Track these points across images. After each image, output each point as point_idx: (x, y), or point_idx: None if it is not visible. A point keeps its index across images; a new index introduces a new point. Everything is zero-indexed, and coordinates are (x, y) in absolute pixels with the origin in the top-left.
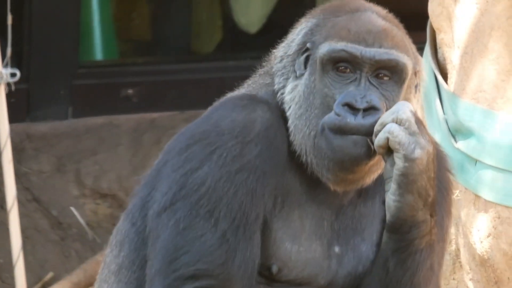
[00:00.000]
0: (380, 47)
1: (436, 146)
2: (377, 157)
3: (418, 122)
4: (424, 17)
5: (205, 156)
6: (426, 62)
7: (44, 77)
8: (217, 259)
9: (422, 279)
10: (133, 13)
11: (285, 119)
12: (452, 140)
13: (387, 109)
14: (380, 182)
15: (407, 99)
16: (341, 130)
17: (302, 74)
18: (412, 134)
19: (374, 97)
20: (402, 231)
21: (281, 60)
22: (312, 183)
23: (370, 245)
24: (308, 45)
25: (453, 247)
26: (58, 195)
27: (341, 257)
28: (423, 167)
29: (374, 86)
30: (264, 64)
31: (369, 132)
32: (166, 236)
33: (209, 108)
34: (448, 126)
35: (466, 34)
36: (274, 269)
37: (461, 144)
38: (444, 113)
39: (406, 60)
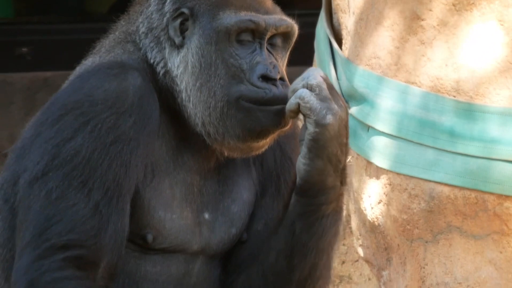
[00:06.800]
0: (270, 13)
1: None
2: None
3: (330, 87)
4: None
5: (78, 127)
6: (321, 27)
7: None
8: (89, 229)
9: (327, 245)
10: None
11: (157, 85)
12: None
13: None
14: None
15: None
16: (268, 102)
17: (181, 43)
18: (323, 99)
19: (279, 67)
20: (309, 194)
21: (146, 35)
22: (179, 150)
23: (241, 204)
24: (184, 10)
25: (344, 212)
26: None
27: (211, 223)
28: (334, 133)
29: (271, 53)
30: (115, 31)
31: (286, 102)
32: (38, 207)
33: (75, 76)
34: (341, 92)
35: (362, 0)
36: (149, 238)
37: (354, 110)
38: (338, 79)
39: (295, 24)
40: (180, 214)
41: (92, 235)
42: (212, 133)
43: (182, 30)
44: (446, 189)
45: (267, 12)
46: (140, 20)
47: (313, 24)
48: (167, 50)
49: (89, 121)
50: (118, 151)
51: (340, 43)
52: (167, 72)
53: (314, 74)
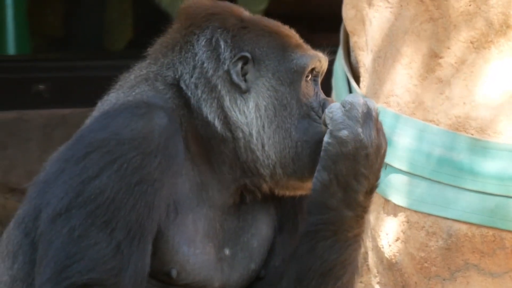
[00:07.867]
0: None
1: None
2: None
3: (368, 117)
4: (338, 19)
5: (104, 165)
6: (339, 65)
7: None
8: (110, 269)
9: (329, 272)
10: (47, 9)
11: (191, 126)
12: None
13: None
14: None
15: None
16: None
17: (246, 87)
18: (350, 118)
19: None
20: (311, 211)
21: (197, 85)
22: (205, 186)
23: (261, 240)
24: (246, 54)
25: (361, 250)
26: None
27: (231, 259)
28: (346, 151)
29: None
30: (141, 69)
31: None
32: (59, 243)
33: (100, 113)
34: None
35: (379, 38)
36: (174, 273)
37: None
38: None
39: None
40: (203, 250)
41: (113, 274)
42: (278, 173)
43: (242, 75)
44: (463, 227)
45: (314, 50)
46: (184, 69)
47: (331, 62)
48: (227, 98)
49: (115, 160)
50: (142, 192)
51: (358, 81)
52: (225, 123)
53: (356, 96)
